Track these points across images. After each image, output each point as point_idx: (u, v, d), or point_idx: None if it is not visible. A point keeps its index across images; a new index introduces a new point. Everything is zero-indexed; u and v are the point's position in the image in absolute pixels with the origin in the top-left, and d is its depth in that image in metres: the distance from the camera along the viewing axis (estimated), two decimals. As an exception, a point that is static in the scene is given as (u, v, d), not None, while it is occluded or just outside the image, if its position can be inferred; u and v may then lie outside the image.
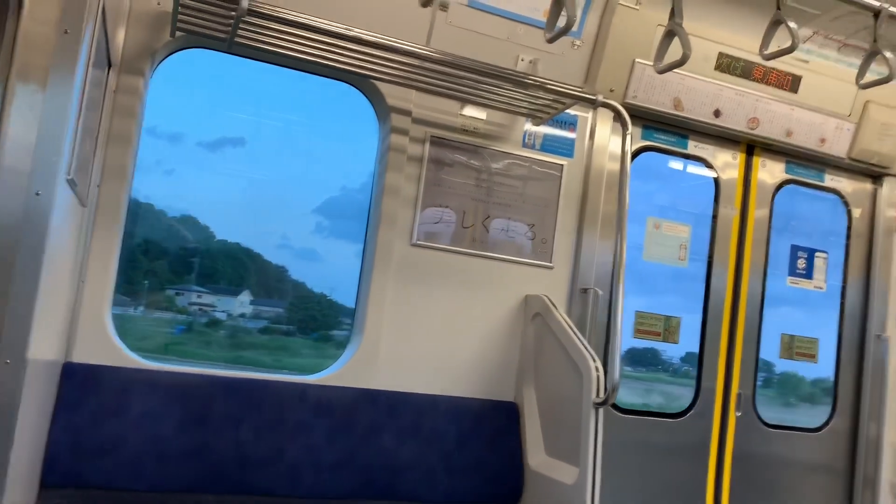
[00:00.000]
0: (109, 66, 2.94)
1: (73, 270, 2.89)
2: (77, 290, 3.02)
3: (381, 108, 3.58)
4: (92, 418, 2.92)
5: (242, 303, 4.19)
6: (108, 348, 3.06)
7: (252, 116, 3.65)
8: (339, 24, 2.92)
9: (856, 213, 4.63)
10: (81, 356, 3.01)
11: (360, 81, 3.53)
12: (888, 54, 3.06)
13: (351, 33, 2.94)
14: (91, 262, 3.05)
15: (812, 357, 4.52)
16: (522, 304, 3.75)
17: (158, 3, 3.16)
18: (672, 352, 4.26)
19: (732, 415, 4.22)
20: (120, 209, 3.11)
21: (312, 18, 2.89)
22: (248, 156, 3.65)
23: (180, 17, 2.90)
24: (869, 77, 3.23)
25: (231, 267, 4.01)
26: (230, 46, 3.09)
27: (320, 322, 4.21)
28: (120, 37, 3.10)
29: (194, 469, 3.00)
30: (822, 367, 4.41)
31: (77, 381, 2.94)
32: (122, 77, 3.11)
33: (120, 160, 3.11)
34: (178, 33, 3.08)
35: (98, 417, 2.92)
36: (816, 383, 4.61)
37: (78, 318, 3.03)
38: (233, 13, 2.80)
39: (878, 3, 3.11)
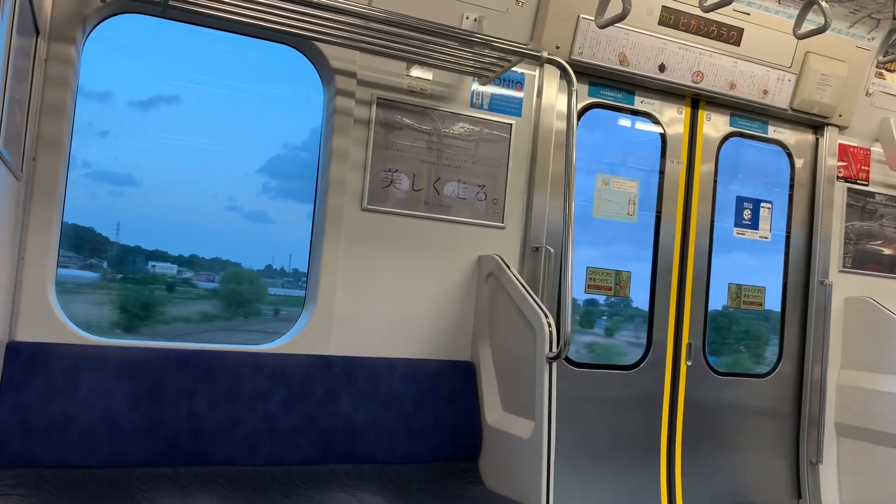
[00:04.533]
0: (38, 34, 2.83)
1: (12, 246, 2.80)
2: (17, 266, 2.93)
3: (325, 71, 3.52)
4: (40, 397, 2.86)
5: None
6: (53, 325, 2.99)
7: (189, 82, 3.54)
8: (276, -15, 2.85)
9: (798, 163, 4.73)
10: (26, 335, 2.94)
11: (302, 44, 3.46)
12: (823, 3, 3.11)
13: (290, -7, 2.87)
14: (30, 237, 2.96)
15: (759, 305, 4.65)
16: (476, 264, 3.77)
17: None
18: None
19: (684, 364, 4.33)
20: (58, 181, 3.02)
21: (249, -21, 2.81)
22: (184, 116, 3.54)
23: (110, -20, 2.79)
24: (806, 27, 3.28)
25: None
26: (164, 11, 2.99)
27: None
28: (47, 3, 2.97)
29: (149, 443, 2.97)
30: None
31: (22, 360, 2.87)
32: (52, 45, 2.99)
33: (55, 131, 3.01)
34: (108, -2, 2.97)
35: (47, 396, 2.87)
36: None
37: (20, 295, 2.95)
38: (165, -25, 2.71)
39: (813, -47, 3.15)
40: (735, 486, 4.45)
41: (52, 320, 3.00)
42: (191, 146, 3.57)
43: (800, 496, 4.57)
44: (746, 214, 4.60)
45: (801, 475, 4.57)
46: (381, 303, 3.58)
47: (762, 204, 4.65)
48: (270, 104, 3.75)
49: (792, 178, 4.73)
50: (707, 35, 4.15)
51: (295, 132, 3.69)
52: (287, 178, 3.70)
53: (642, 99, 4.30)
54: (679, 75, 4.16)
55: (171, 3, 2.93)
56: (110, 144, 3.40)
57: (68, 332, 3.02)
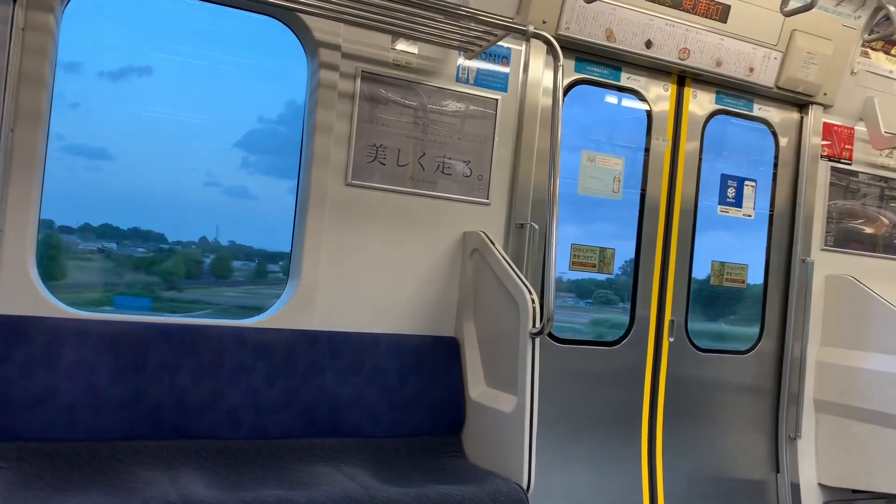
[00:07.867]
0: (15, 2, 2.77)
1: None
2: None
3: (309, 43, 3.48)
4: (21, 371, 2.84)
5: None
6: (33, 298, 2.96)
7: (167, 53, 3.48)
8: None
9: (783, 141, 4.75)
10: (5, 308, 2.91)
11: (285, 15, 3.42)
12: (810, -20, 3.10)
13: (272, -36, 2.82)
14: (9, 210, 2.93)
15: (742, 282, 4.68)
16: (460, 240, 3.77)
17: None
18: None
19: (666, 341, 4.36)
20: (37, 153, 2.98)
21: (231, -52, 2.76)
22: (157, 87, 3.48)
23: (88, -53, 2.74)
24: (793, 4, 3.27)
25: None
26: (145, -21, 2.94)
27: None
28: None
29: (131, 417, 2.97)
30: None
31: (2, 333, 2.85)
32: (29, 13, 2.93)
33: (34, 102, 2.96)
34: (87, -35, 2.91)
35: (28, 369, 2.85)
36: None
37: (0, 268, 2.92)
38: (144, -58, 2.66)
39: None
40: (715, 461, 4.51)
41: (32, 293, 2.97)
42: (165, 120, 3.50)
43: (778, 470, 4.64)
44: (731, 192, 4.61)
45: (779, 450, 4.64)
46: (365, 278, 3.58)
47: (746, 182, 4.67)
48: (250, 78, 3.69)
49: (776, 157, 4.75)
50: (694, 11, 4.13)
51: (271, 106, 3.63)
52: (264, 153, 3.65)
53: (629, 75, 4.29)
54: (666, 52, 4.15)
55: (151, -29, 2.88)
56: (82, 117, 3.33)
57: (49, 305, 3.00)
